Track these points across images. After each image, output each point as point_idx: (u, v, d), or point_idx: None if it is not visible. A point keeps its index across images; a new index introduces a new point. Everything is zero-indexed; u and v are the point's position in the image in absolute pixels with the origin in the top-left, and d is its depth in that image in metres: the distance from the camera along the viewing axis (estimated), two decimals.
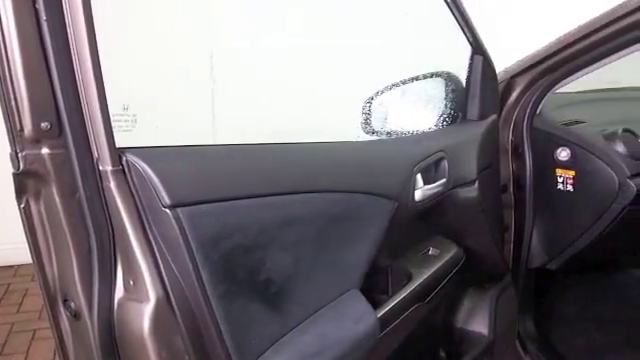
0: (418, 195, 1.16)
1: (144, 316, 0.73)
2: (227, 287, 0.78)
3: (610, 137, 1.51)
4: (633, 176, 1.46)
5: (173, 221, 0.72)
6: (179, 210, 0.72)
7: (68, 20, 0.66)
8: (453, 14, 1.31)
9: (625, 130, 1.51)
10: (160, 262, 0.74)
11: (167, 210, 0.72)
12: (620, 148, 1.48)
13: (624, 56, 1.38)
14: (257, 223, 0.82)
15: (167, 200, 0.72)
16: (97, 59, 0.67)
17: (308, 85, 2.30)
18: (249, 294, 0.82)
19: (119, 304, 0.75)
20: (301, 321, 0.91)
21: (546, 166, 1.61)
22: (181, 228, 0.72)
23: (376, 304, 1.06)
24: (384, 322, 1.04)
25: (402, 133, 1.41)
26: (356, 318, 0.98)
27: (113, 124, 0.70)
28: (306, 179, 0.92)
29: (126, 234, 0.73)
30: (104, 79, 0.68)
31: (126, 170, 0.72)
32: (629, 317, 2.10)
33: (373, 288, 1.08)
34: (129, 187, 0.73)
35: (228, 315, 0.78)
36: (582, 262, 1.78)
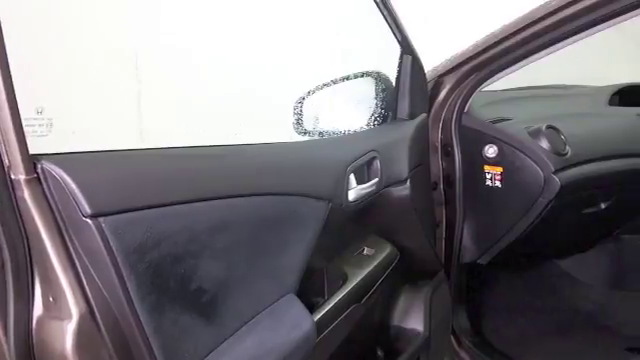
0: (352, 195, 1.15)
1: (66, 334, 0.68)
2: (156, 299, 0.74)
3: (535, 134, 1.55)
4: (557, 171, 1.51)
5: (95, 232, 0.67)
6: (101, 220, 0.68)
7: None
8: (382, 14, 1.31)
9: (549, 127, 1.56)
10: (82, 276, 0.69)
11: (88, 220, 0.67)
12: (544, 144, 1.53)
13: (545, 55, 1.43)
14: (186, 230, 0.78)
15: (88, 209, 0.67)
16: (5, 58, 0.62)
17: (238, 84, 2.26)
18: (180, 305, 0.78)
19: (38, 323, 0.70)
20: (236, 329, 0.88)
21: (474, 163, 1.64)
22: (104, 239, 0.68)
23: (313, 307, 1.04)
24: (321, 325, 1.03)
25: (334, 133, 1.40)
26: (293, 323, 0.96)
27: (26, 129, 0.65)
28: (237, 182, 0.90)
29: (44, 247, 0.67)
30: (14, 80, 0.63)
31: (42, 178, 0.67)
32: (555, 306, 2.19)
33: (309, 291, 1.07)
34: (46, 197, 0.67)
35: (158, 328, 0.74)
36: (511, 255, 1.83)
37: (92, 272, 0.70)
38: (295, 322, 0.96)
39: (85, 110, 1.68)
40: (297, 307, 0.98)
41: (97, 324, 0.70)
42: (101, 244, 0.68)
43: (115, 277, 0.69)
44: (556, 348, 1.94)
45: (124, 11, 1.98)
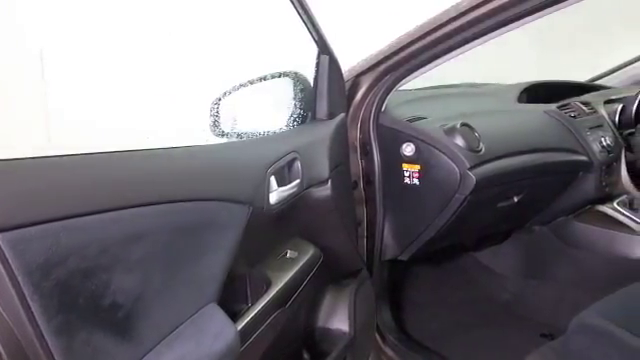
0: (273, 198, 1.13)
1: None
2: (65, 319, 0.69)
3: (450, 131, 1.59)
4: (472, 167, 1.55)
5: None
6: None
7: None
8: (299, 14, 1.30)
9: (463, 124, 1.60)
10: None
11: None
12: (460, 141, 1.56)
13: (458, 55, 1.46)
14: (97, 243, 0.73)
15: None
16: None
17: (151, 84, 2.18)
18: (92, 323, 0.73)
19: None
20: (156, 344, 0.84)
21: (393, 161, 1.66)
22: (2, 257, 0.62)
23: (236, 315, 1.01)
24: (245, 333, 1.00)
25: (253, 134, 1.38)
26: (215, 333, 0.93)
27: None
28: (150, 189, 0.85)
29: None
30: None
31: None
32: (474, 297, 2.26)
33: (232, 299, 1.04)
34: None
35: (68, 351, 0.69)
36: (431, 250, 1.87)
37: None
38: (217, 332, 0.93)
39: None
40: (219, 316, 0.95)
41: None
42: None
43: (16, 298, 0.64)
44: (476, 338, 2.00)
45: (27, 6, 1.86)
